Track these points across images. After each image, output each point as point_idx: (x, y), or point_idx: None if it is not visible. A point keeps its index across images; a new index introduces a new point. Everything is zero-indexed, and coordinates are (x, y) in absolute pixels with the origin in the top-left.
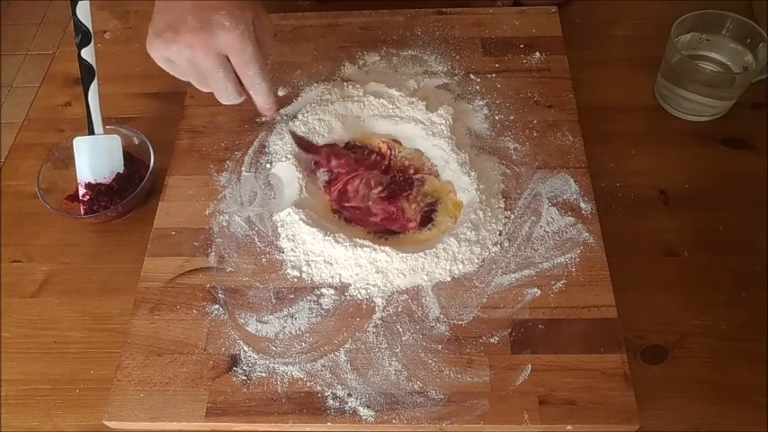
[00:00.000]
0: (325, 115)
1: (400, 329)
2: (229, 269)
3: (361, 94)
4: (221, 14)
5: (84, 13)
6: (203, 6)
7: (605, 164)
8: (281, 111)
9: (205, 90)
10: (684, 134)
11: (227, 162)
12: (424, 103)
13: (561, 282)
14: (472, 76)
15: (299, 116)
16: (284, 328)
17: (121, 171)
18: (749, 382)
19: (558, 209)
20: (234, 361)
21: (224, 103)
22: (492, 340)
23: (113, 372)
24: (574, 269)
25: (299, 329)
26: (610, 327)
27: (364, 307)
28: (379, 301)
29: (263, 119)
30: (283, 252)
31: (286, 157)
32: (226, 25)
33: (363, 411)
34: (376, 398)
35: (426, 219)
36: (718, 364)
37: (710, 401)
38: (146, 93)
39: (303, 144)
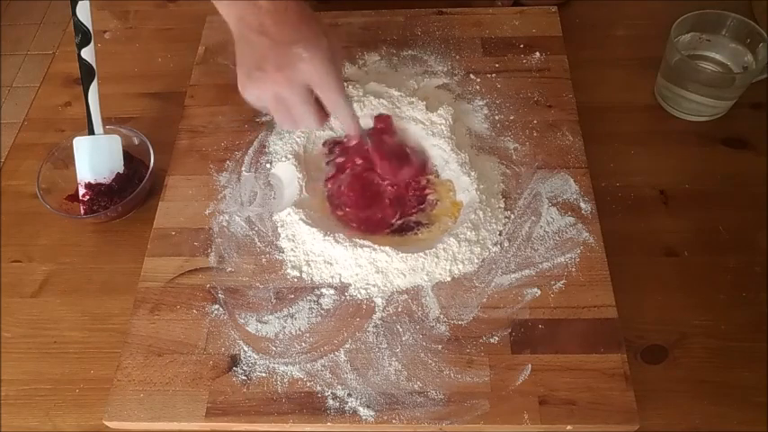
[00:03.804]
0: None
1: (400, 329)
2: (229, 269)
3: (361, 94)
4: (299, 47)
5: (84, 13)
6: (281, 42)
7: (605, 164)
8: None
9: (288, 127)
10: (684, 134)
11: (227, 162)
12: (424, 103)
13: (561, 282)
14: (472, 76)
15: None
16: (284, 328)
17: (121, 171)
18: (749, 382)
19: (558, 209)
20: (234, 361)
21: (310, 129)
22: (492, 340)
23: (113, 372)
24: (574, 269)
25: (299, 329)
26: (610, 327)
27: (364, 307)
28: (379, 301)
29: (264, 119)
30: (283, 252)
31: (286, 157)
32: (305, 57)
33: (363, 411)
34: (376, 398)
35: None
36: (718, 364)
37: (710, 401)
38: (146, 93)
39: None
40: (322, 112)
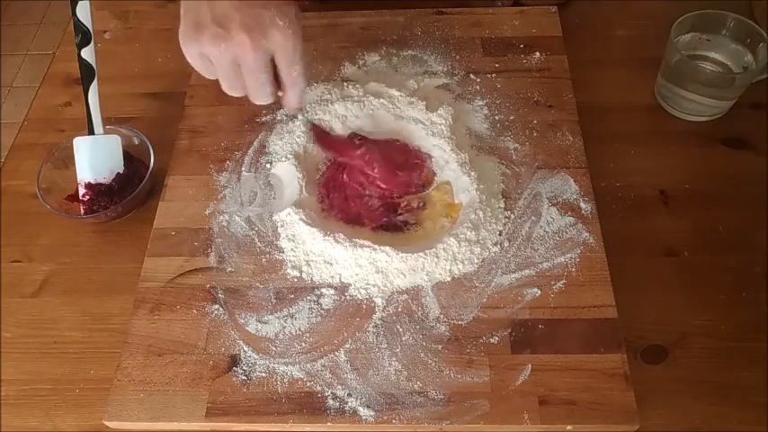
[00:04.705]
0: (326, 115)
1: (400, 329)
2: (229, 269)
3: (361, 94)
4: (272, 12)
5: (84, 13)
6: (251, 3)
7: (605, 164)
8: (281, 111)
9: (233, 93)
10: (684, 134)
11: (227, 162)
12: (424, 103)
13: (561, 282)
14: (472, 76)
15: (300, 116)
16: (284, 328)
17: (121, 171)
18: (749, 382)
19: (558, 209)
20: (234, 361)
21: (257, 103)
22: (492, 340)
23: (113, 372)
24: (574, 269)
25: (299, 329)
26: (610, 327)
27: (364, 307)
28: (379, 301)
29: (264, 119)
30: (283, 252)
31: (286, 157)
32: (279, 24)
33: (363, 411)
34: (376, 398)
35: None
36: (718, 364)
37: (710, 401)
38: (146, 93)
39: (321, 136)
40: (276, 85)
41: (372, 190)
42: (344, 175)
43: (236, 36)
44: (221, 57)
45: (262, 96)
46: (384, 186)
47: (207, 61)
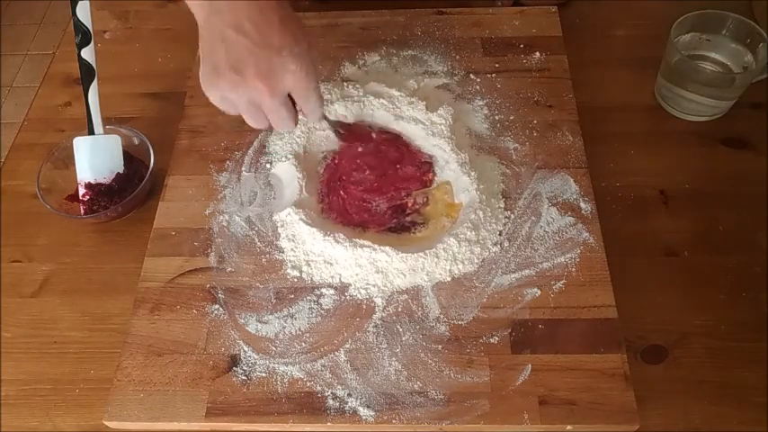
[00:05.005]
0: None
1: (400, 329)
2: (229, 269)
3: (361, 94)
4: (283, 57)
5: (84, 13)
6: (262, 46)
7: (605, 164)
8: None
9: (258, 127)
10: (684, 134)
11: (227, 162)
12: (424, 103)
13: (561, 282)
14: (472, 76)
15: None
16: (284, 328)
17: (121, 171)
18: (749, 382)
19: (558, 209)
20: (234, 361)
21: (282, 131)
22: (492, 340)
23: (113, 372)
24: (574, 269)
25: (299, 329)
26: (610, 327)
27: (364, 307)
28: (379, 301)
29: None
30: (283, 252)
31: (286, 157)
32: (291, 68)
33: (363, 411)
34: (376, 398)
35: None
36: (718, 364)
37: (710, 401)
38: (146, 93)
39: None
40: (296, 113)
41: (378, 198)
42: (342, 192)
43: (252, 82)
44: (240, 99)
45: (285, 127)
46: (381, 182)
47: (228, 102)
